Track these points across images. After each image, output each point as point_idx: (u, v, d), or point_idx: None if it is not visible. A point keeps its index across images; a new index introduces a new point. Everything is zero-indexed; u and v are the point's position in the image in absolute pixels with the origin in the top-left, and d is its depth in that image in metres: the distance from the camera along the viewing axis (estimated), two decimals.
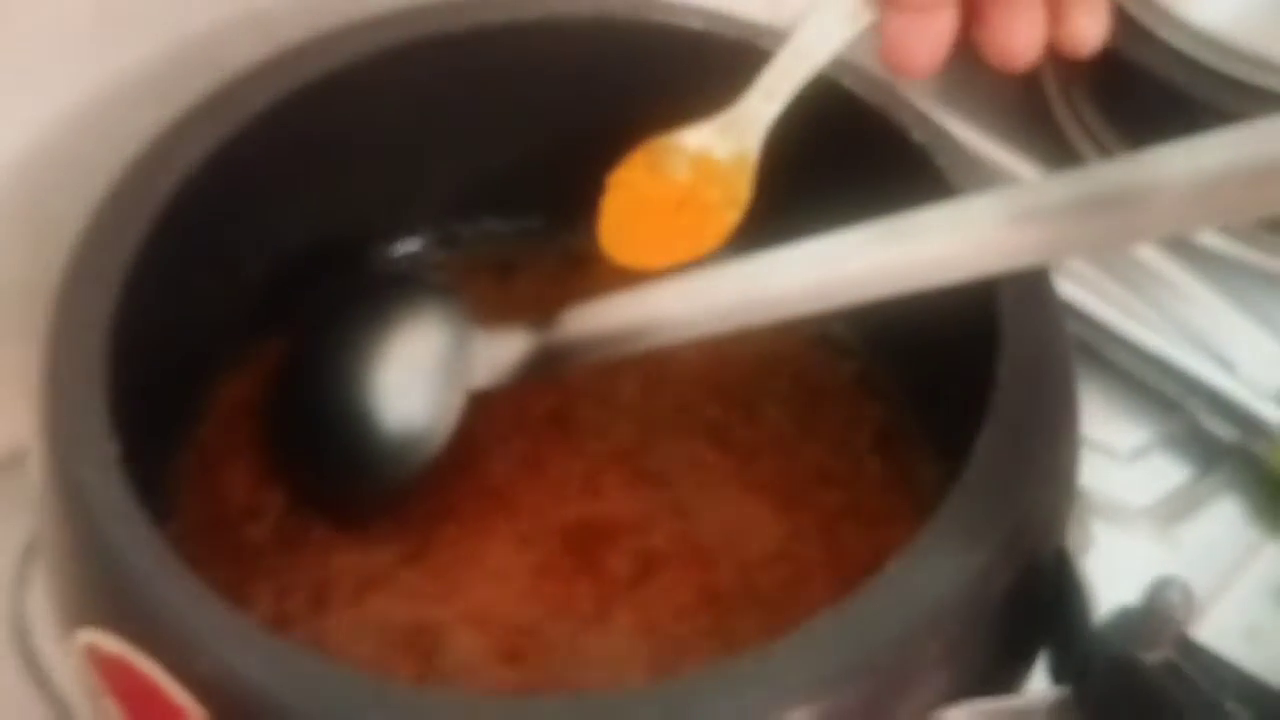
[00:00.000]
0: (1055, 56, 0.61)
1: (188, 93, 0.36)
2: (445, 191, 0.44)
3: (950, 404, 0.37)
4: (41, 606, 0.40)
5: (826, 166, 0.38)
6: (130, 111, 0.38)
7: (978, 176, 0.36)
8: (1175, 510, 0.46)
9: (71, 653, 0.30)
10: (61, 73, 0.37)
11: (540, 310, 0.37)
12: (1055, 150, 0.57)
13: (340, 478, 0.37)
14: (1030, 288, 0.33)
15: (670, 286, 0.36)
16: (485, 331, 0.38)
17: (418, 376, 0.37)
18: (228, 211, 0.36)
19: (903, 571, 0.28)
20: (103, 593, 0.28)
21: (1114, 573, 0.30)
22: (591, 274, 0.43)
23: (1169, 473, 0.48)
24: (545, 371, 0.37)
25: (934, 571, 0.28)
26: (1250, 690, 0.27)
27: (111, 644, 0.28)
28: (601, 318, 0.36)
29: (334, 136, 0.38)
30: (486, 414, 0.38)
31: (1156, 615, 0.26)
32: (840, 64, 0.38)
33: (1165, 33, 0.53)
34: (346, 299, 0.40)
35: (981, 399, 0.31)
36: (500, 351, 0.37)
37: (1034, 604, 0.29)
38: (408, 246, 0.44)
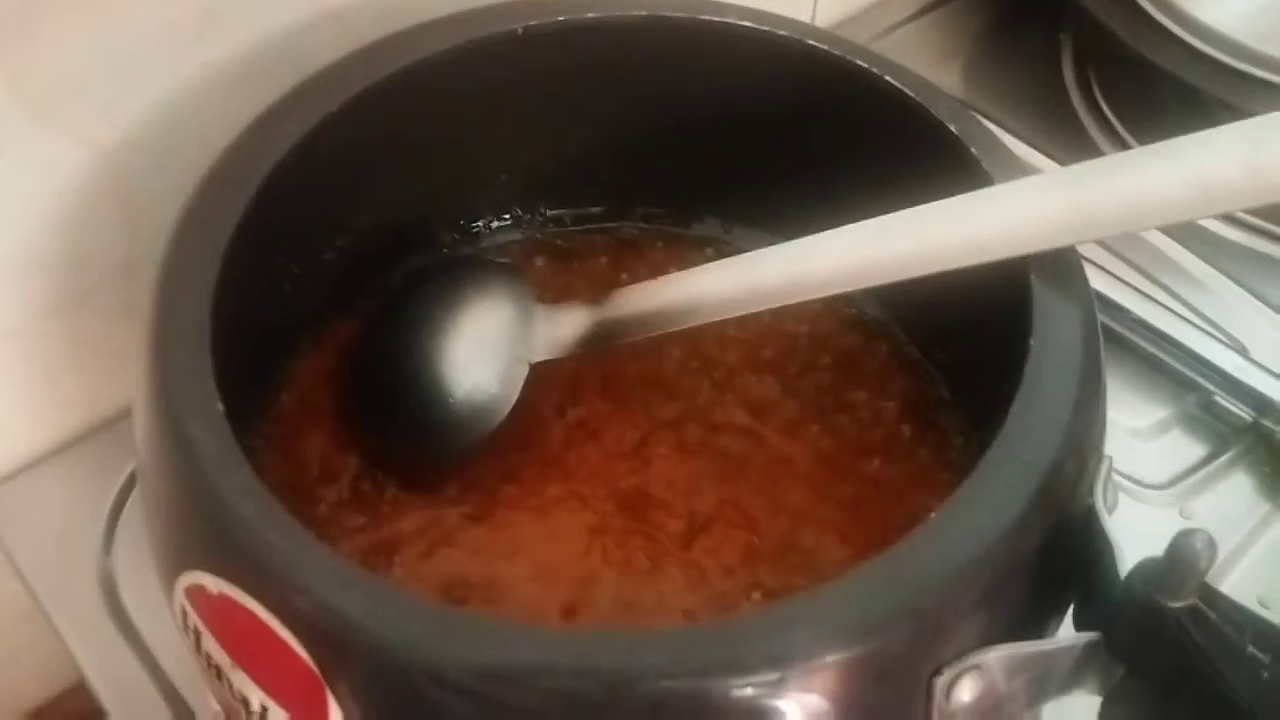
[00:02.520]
0: (1075, 53, 0.63)
1: (269, 86, 0.37)
2: (510, 181, 0.45)
3: (982, 377, 0.38)
4: (126, 564, 0.42)
5: (867, 156, 0.39)
6: (216, 102, 0.40)
7: (1010, 166, 0.37)
8: (1191, 485, 0.47)
9: (174, 595, 0.31)
10: (160, 65, 0.39)
11: (596, 289, 0.39)
12: (1074, 143, 0.58)
13: (411, 444, 0.39)
14: (1059, 263, 0.34)
15: (717, 268, 0.38)
16: (546, 308, 0.40)
17: (485, 349, 0.39)
18: (311, 198, 0.37)
19: (943, 523, 0.29)
20: (210, 537, 0.30)
21: (1133, 544, 0.30)
22: (644, 256, 0.45)
23: (1185, 450, 0.49)
24: (600, 345, 0.39)
25: (973, 523, 0.29)
26: (1269, 636, 0.28)
27: (215, 584, 0.29)
28: (652, 296, 0.38)
29: (407, 129, 0.40)
30: (543, 385, 0.39)
31: (1181, 564, 0.27)
32: (881, 61, 0.40)
33: (1180, 32, 0.54)
34: (419, 277, 0.42)
35: (1012, 371, 0.32)
36: (559, 327, 0.39)
37: (1066, 555, 0.31)
38: (475, 230, 0.46)
